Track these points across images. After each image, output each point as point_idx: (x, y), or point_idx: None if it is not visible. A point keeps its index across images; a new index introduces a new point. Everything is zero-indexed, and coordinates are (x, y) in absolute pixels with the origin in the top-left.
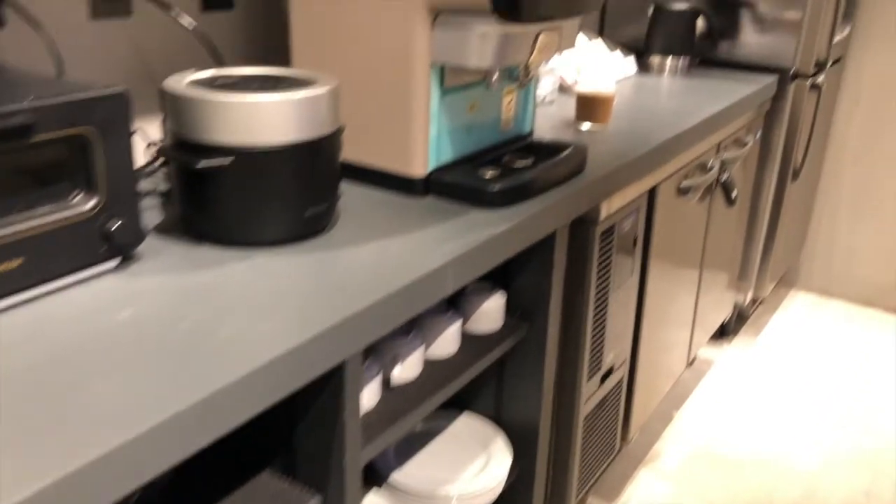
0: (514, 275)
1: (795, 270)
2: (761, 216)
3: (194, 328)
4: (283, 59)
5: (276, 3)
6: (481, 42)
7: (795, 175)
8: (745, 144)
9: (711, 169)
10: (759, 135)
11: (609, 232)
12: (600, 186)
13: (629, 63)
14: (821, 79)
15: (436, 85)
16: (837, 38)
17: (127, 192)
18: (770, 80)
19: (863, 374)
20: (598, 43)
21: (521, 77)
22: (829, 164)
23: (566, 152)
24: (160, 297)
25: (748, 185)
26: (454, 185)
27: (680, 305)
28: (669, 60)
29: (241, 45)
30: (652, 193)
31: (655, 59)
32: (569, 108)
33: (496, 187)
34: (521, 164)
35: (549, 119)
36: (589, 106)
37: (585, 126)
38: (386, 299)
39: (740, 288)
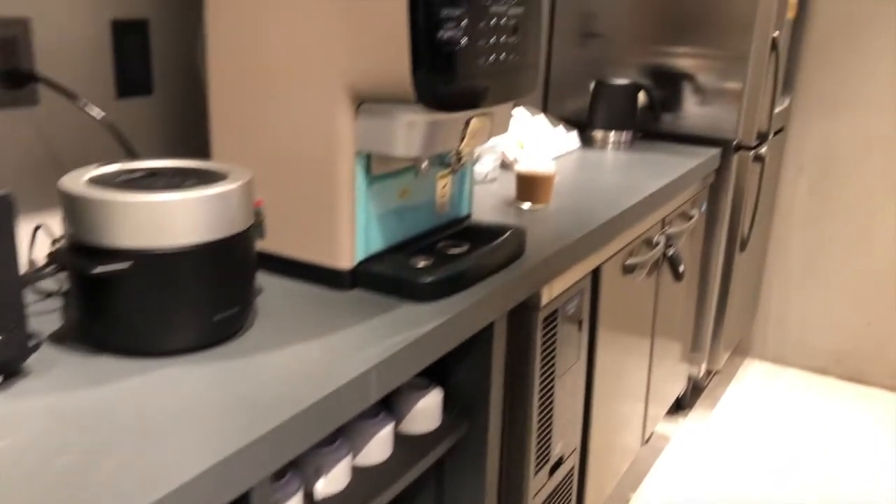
0: (451, 369)
1: (749, 340)
2: (711, 287)
3: (74, 463)
4: (205, 146)
5: (197, 88)
6: (408, 131)
7: (743, 245)
8: (691, 217)
9: (657, 244)
10: (704, 207)
11: (552, 317)
12: (541, 271)
13: (572, 138)
14: (764, 149)
15: (362, 173)
16: (778, 109)
17: (9, 304)
18: (713, 152)
19: (819, 443)
20: (541, 118)
21: (453, 163)
22: (776, 232)
23: (504, 237)
24: (43, 422)
25: (696, 256)
26: (383, 277)
27: (632, 383)
28: (612, 135)
29: (160, 133)
30: (596, 273)
31: (598, 134)
32: (511, 185)
33: (427, 279)
34: (456, 251)
35: (490, 197)
36: (529, 185)
37: (526, 206)
38: (300, 415)
39: (694, 360)
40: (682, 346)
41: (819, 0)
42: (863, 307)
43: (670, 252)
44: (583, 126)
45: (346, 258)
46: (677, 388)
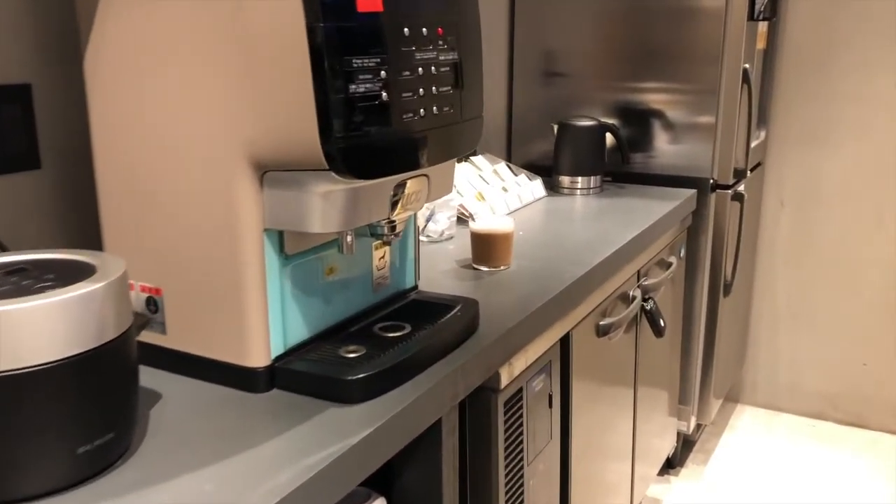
0: (396, 472)
1: (739, 386)
2: (696, 336)
3: None
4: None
5: (88, 161)
6: (323, 204)
7: (727, 289)
8: (670, 265)
9: (633, 300)
10: (683, 252)
11: (516, 398)
12: (498, 349)
13: (536, 186)
14: (742, 187)
15: (273, 253)
16: (754, 143)
17: None
18: (689, 193)
19: (820, 490)
20: (502, 167)
21: (386, 234)
22: (760, 272)
23: (453, 312)
24: None
25: (678, 304)
26: (304, 376)
27: (616, 446)
28: (580, 180)
29: (50, 214)
30: (566, 341)
31: (565, 180)
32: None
33: (356, 375)
34: (395, 334)
35: (445, 260)
36: (485, 246)
37: (484, 269)
38: None
39: (683, 414)
40: (669, 400)
41: (790, 29)
42: (857, 346)
43: (648, 306)
44: (549, 172)
45: (258, 355)
46: (667, 445)
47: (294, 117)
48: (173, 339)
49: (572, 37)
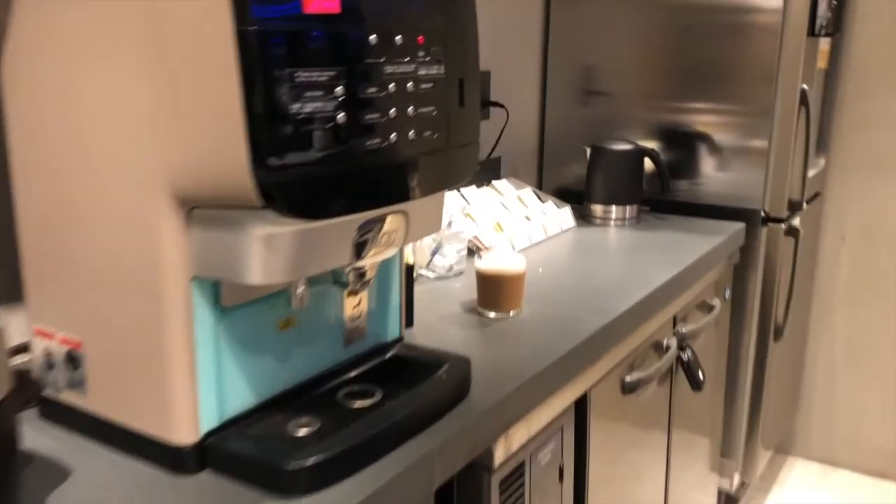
0: None
1: (791, 437)
2: (742, 384)
3: None
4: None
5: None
6: (263, 249)
7: (778, 333)
8: (712, 308)
9: (668, 349)
10: (728, 293)
11: (515, 475)
12: (492, 420)
13: (565, 216)
14: (797, 220)
15: (205, 306)
16: (812, 172)
17: None
18: (737, 227)
19: None
20: (527, 193)
21: (352, 282)
22: (817, 313)
23: (437, 374)
24: None
25: (721, 350)
26: (238, 459)
27: None
28: (614, 210)
29: None
30: (582, 402)
31: (597, 209)
32: None
33: (301, 463)
34: (361, 403)
35: (448, 301)
36: (492, 288)
37: (492, 314)
38: None
39: (725, 469)
40: (710, 453)
41: (855, 46)
42: None
43: (685, 356)
44: (580, 199)
45: (185, 429)
46: None
47: (221, 142)
48: (94, 400)
49: (612, 52)
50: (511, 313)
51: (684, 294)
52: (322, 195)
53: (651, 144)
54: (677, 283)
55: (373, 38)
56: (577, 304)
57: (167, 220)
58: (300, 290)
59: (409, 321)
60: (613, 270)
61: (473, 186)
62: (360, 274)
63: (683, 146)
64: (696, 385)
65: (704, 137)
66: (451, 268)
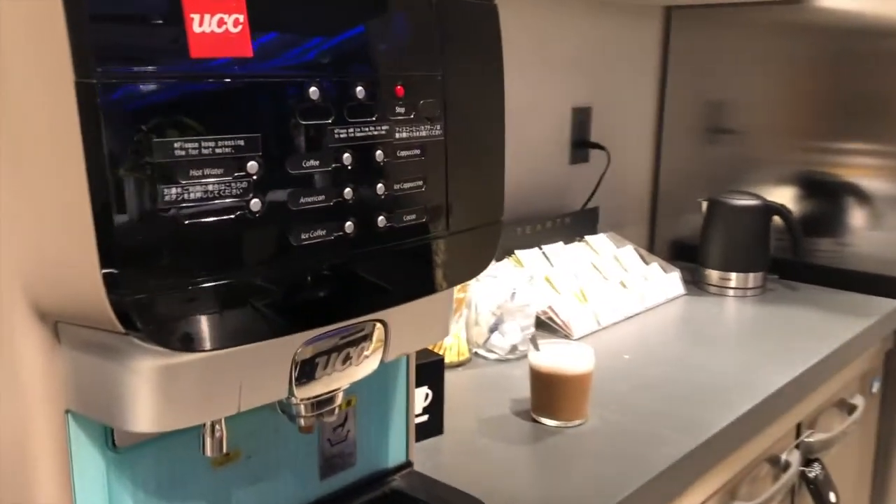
0: None
1: None
2: (891, 497)
3: None
4: None
5: None
6: (151, 386)
7: None
8: (854, 409)
9: (788, 467)
10: (877, 386)
11: None
12: None
13: (672, 282)
14: None
15: (90, 446)
16: None
17: None
18: (891, 305)
19: None
20: (627, 252)
21: (304, 416)
22: None
23: None
24: None
25: (864, 465)
26: None
27: None
28: (733, 277)
29: None
30: None
31: (713, 275)
32: None
33: None
34: None
35: (499, 397)
36: (548, 390)
37: (550, 422)
38: None
39: None
40: None
41: None
42: None
43: (813, 473)
44: (694, 260)
45: None
46: None
47: (66, 244)
48: None
49: (744, 83)
50: (574, 423)
51: (815, 393)
52: (218, 319)
53: (788, 192)
54: (807, 381)
55: (313, 90)
56: (664, 413)
57: (26, 335)
58: (215, 435)
59: (438, 427)
60: (722, 361)
61: (560, 243)
62: (319, 402)
63: (826, 196)
64: None
65: (854, 186)
66: (513, 349)
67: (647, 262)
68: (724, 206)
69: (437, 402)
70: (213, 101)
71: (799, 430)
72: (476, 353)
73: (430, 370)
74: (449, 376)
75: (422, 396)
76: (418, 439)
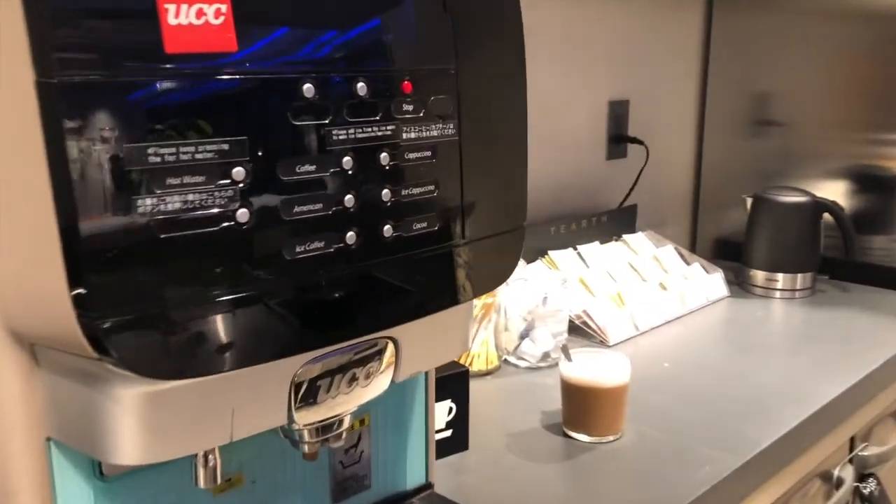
0: None
1: None
2: None
3: None
4: None
5: None
6: (134, 416)
7: None
8: None
9: (841, 483)
10: None
11: None
12: None
13: (714, 283)
14: None
15: (75, 476)
16: None
17: None
18: None
19: None
20: (667, 252)
21: (308, 442)
22: None
23: None
24: None
25: None
26: None
27: None
28: (780, 278)
29: None
30: None
31: (758, 276)
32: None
33: None
34: None
35: (530, 407)
36: (581, 404)
37: (581, 437)
38: None
39: None
40: None
41: None
42: None
43: (868, 489)
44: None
45: None
46: None
47: (35, 258)
48: None
49: (793, 72)
50: (607, 439)
51: (870, 403)
52: (201, 343)
53: (838, 187)
54: (861, 391)
55: (307, 88)
56: (705, 427)
57: (4, 355)
58: (209, 464)
59: (463, 443)
60: (768, 370)
61: (596, 243)
62: (325, 427)
63: (880, 191)
64: None
65: None
66: (545, 356)
67: (688, 263)
68: (770, 202)
69: (462, 416)
70: (192, 102)
71: (852, 443)
72: (506, 361)
73: (454, 382)
74: (476, 386)
75: (445, 411)
76: (441, 456)
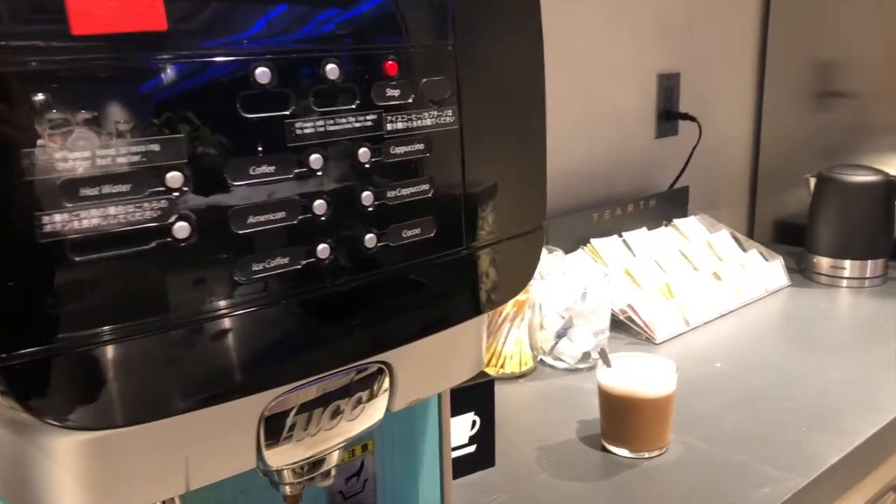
0: None
1: None
2: None
3: None
4: None
5: None
6: (64, 467)
7: None
8: None
9: None
10: None
11: None
12: None
13: (773, 272)
14: None
15: None
16: None
17: None
18: None
19: None
20: (722, 237)
21: (290, 483)
22: None
23: None
24: None
25: None
26: None
27: None
28: (847, 266)
29: None
30: None
31: (823, 263)
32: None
33: None
34: None
35: (566, 416)
36: (620, 416)
37: (621, 452)
38: None
39: None
40: None
41: None
42: None
43: None
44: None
45: None
46: None
47: None
48: None
49: (861, 39)
50: (650, 454)
51: None
52: (132, 385)
53: None
54: None
55: (261, 72)
56: (763, 440)
57: None
58: None
59: (489, 459)
60: (835, 370)
61: (644, 229)
62: (311, 465)
63: None
64: None
65: None
66: (584, 356)
67: (744, 249)
68: (836, 182)
69: (487, 429)
70: (109, 94)
71: None
72: (541, 362)
73: (478, 393)
74: (508, 390)
75: (467, 424)
76: (464, 474)
